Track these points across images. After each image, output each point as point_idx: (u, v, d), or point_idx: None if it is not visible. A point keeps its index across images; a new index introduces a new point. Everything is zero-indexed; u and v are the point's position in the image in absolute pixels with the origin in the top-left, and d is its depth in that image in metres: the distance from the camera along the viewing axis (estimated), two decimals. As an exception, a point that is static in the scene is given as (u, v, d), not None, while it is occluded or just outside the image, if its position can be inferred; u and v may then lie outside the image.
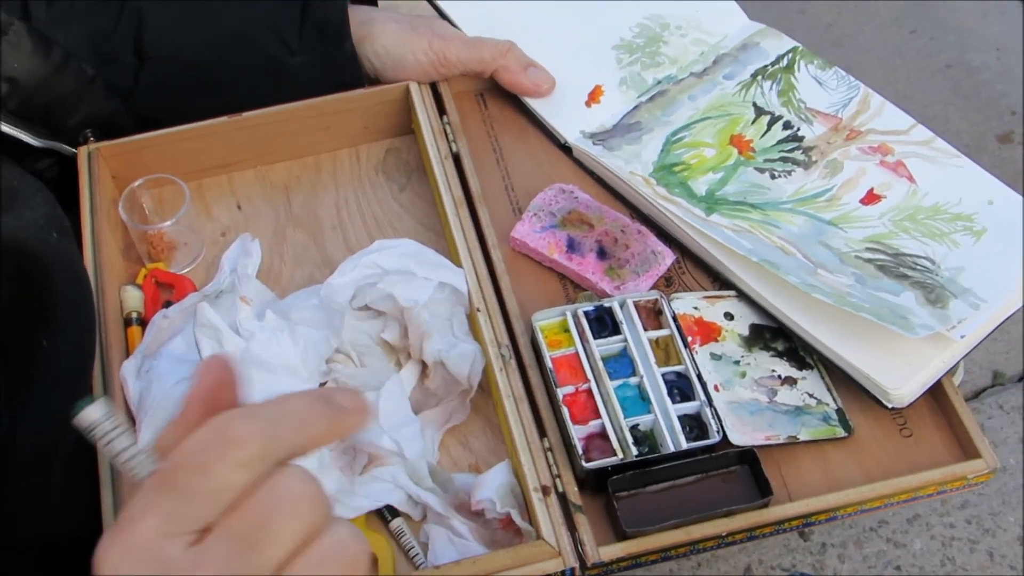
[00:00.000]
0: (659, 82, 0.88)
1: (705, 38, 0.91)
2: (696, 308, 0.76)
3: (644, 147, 0.83)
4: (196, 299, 0.75)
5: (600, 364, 0.71)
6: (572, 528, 0.66)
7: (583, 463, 0.67)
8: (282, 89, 0.83)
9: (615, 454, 0.68)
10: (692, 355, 0.72)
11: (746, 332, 0.76)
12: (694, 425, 0.70)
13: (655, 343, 0.73)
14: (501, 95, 0.90)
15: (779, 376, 0.74)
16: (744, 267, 0.76)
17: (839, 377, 0.73)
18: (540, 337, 0.72)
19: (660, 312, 0.74)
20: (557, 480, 0.67)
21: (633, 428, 0.69)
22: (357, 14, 0.84)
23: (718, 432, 0.68)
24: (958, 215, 0.78)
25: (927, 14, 1.80)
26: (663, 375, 0.71)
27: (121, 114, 0.82)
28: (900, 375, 0.70)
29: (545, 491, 0.66)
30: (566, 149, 0.86)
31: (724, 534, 0.66)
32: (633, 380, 0.72)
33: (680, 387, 0.71)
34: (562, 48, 0.90)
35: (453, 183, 0.81)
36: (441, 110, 0.86)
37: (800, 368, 0.74)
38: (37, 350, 0.60)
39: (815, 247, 0.76)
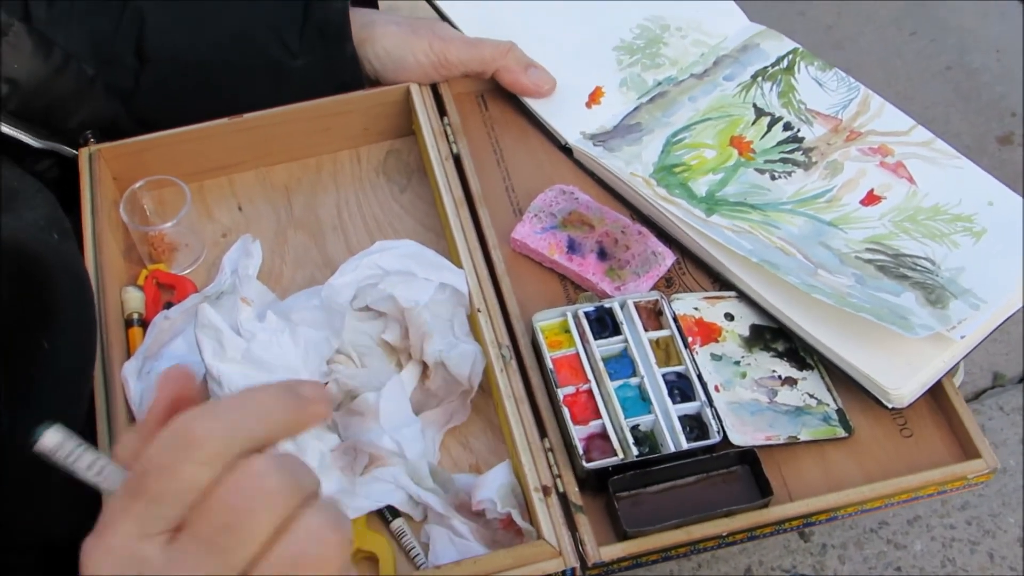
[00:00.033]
0: (659, 83, 0.88)
1: (705, 39, 0.91)
2: (696, 309, 0.76)
3: (644, 148, 0.83)
4: (197, 300, 0.75)
5: (601, 364, 0.71)
6: (573, 528, 0.66)
7: (584, 463, 0.67)
8: (283, 90, 0.83)
9: (616, 454, 0.68)
10: (692, 355, 0.72)
11: (746, 333, 0.76)
12: (694, 425, 0.70)
13: (655, 344, 0.73)
14: (501, 96, 0.90)
15: (779, 376, 0.74)
16: (744, 268, 0.76)
17: (839, 377, 0.73)
18: (541, 338, 0.72)
19: (660, 313, 0.74)
20: (558, 480, 0.67)
21: (634, 428, 0.69)
22: (358, 16, 0.84)
23: (718, 432, 0.69)
24: (958, 216, 0.78)
25: (927, 15, 1.80)
26: (663, 375, 0.71)
27: (121, 115, 0.82)
28: (900, 375, 0.70)
29: (546, 491, 0.66)
30: (566, 150, 0.86)
31: (725, 534, 0.66)
32: (634, 380, 0.72)
33: (680, 387, 0.71)
34: (562, 49, 0.90)
35: (454, 184, 0.81)
36: (442, 111, 0.86)
37: (800, 368, 0.74)
38: (37, 350, 0.60)
39: (815, 248, 0.76)
